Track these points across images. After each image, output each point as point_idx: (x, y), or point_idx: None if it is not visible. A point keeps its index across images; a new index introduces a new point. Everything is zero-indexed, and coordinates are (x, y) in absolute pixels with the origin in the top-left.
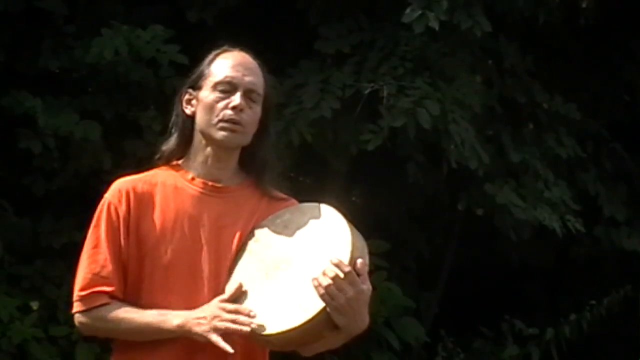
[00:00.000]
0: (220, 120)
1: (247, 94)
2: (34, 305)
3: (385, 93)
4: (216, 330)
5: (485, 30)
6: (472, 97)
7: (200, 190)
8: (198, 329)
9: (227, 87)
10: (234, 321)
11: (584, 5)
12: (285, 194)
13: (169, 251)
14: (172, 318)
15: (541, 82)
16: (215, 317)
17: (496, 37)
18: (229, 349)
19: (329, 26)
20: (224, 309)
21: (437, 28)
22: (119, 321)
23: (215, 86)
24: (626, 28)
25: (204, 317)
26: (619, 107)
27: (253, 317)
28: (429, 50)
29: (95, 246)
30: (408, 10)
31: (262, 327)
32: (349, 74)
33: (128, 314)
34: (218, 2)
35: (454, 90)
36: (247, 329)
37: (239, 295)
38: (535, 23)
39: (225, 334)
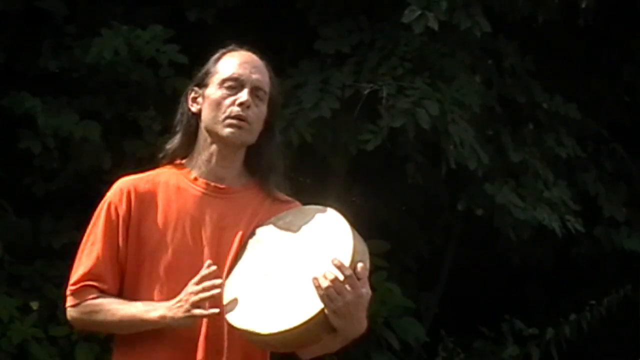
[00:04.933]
0: (227, 117)
1: (254, 92)
2: (34, 305)
3: (384, 93)
4: (193, 305)
5: (485, 30)
6: (472, 97)
7: (203, 190)
8: (179, 314)
9: (235, 84)
10: (203, 289)
11: (583, 6)
12: (288, 195)
13: (169, 252)
14: (153, 310)
15: (541, 82)
16: (188, 294)
17: (496, 37)
18: (215, 311)
19: (328, 26)
20: (193, 284)
21: (436, 28)
22: (105, 313)
23: (222, 82)
24: (626, 28)
25: (179, 301)
26: (619, 107)
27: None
28: (428, 51)
29: (92, 244)
30: (407, 11)
31: (259, 326)
32: (349, 74)
33: (113, 305)
34: (218, 2)
35: (453, 90)
36: (217, 290)
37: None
38: (535, 23)
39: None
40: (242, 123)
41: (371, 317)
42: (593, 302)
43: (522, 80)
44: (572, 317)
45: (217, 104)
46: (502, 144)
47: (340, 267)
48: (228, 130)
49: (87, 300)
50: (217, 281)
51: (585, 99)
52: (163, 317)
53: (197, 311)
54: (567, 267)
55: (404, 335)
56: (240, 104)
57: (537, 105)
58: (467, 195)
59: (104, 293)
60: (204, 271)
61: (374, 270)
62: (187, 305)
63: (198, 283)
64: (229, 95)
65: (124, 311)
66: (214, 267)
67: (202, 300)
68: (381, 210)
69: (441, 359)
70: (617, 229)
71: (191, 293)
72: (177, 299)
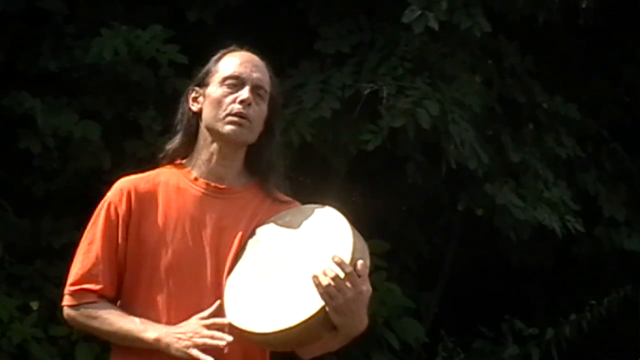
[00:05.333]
0: (227, 115)
1: (255, 90)
2: (34, 305)
3: (384, 93)
4: (195, 346)
5: (485, 30)
6: (472, 97)
7: (203, 191)
8: (177, 345)
9: (235, 82)
10: (212, 337)
11: (583, 5)
12: (288, 195)
13: (169, 252)
14: (151, 330)
15: (541, 82)
16: (195, 333)
17: (496, 37)
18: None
19: (329, 26)
20: (203, 326)
21: (436, 28)
22: (102, 321)
23: (223, 81)
24: (626, 28)
25: (183, 333)
26: (619, 108)
27: (226, 329)
28: (428, 51)
29: (91, 243)
30: (407, 11)
31: (259, 326)
32: (349, 74)
33: (111, 316)
34: (218, 2)
35: (453, 90)
36: (223, 343)
37: (222, 311)
38: (535, 23)
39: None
40: (242, 121)
41: (371, 317)
42: (593, 302)
43: (522, 80)
44: (572, 317)
45: (218, 102)
46: (502, 144)
47: (340, 264)
48: (229, 127)
49: (85, 304)
50: (228, 338)
51: (585, 99)
52: (157, 341)
53: (194, 352)
54: (567, 267)
55: (404, 335)
56: (241, 102)
57: (537, 105)
58: (467, 195)
59: (102, 295)
60: (217, 320)
61: (374, 270)
62: (187, 342)
63: (209, 327)
64: (230, 94)
65: (120, 324)
66: (228, 322)
67: (206, 345)
68: (381, 210)
69: (441, 359)
70: (617, 229)
71: (197, 333)
72: (180, 330)
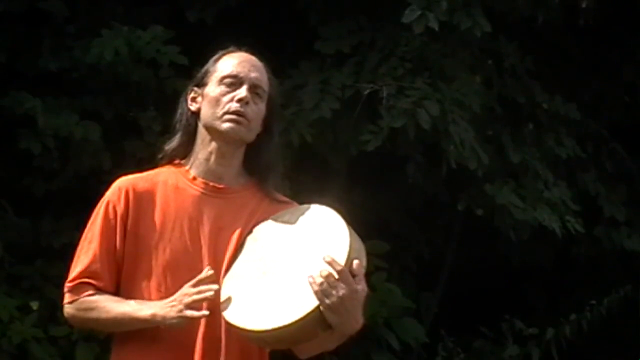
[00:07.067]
0: (225, 113)
1: (253, 89)
2: (34, 305)
3: (384, 93)
4: (186, 306)
5: (485, 30)
6: (472, 98)
7: (201, 190)
8: (171, 314)
9: (234, 81)
10: (199, 292)
11: (583, 5)
12: (287, 196)
13: (167, 251)
14: (146, 308)
15: (541, 82)
16: (183, 295)
17: (496, 37)
18: (206, 313)
19: (329, 26)
20: (189, 286)
21: (436, 28)
22: (99, 310)
23: (221, 80)
24: (626, 28)
25: (173, 301)
26: (619, 108)
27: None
28: (428, 51)
29: (89, 242)
30: (408, 11)
31: (255, 323)
32: (349, 75)
33: (108, 303)
34: (218, 2)
35: (453, 90)
36: (210, 293)
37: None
38: (535, 23)
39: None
40: (240, 119)
41: (371, 317)
42: (593, 302)
43: (522, 81)
44: (572, 317)
45: (216, 101)
46: (502, 144)
47: (333, 263)
48: (227, 125)
49: (83, 297)
50: (214, 286)
51: (585, 99)
52: (154, 316)
53: (188, 312)
54: (567, 267)
55: (404, 336)
56: (239, 100)
57: (537, 105)
58: (467, 195)
59: (100, 291)
60: (202, 275)
61: (374, 270)
62: (180, 306)
63: (195, 286)
64: (228, 92)
65: (118, 309)
66: (212, 272)
67: (195, 302)
68: (381, 211)
69: (441, 358)
70: (617, 229)
71: (185, 294)
72: (171, 299)
